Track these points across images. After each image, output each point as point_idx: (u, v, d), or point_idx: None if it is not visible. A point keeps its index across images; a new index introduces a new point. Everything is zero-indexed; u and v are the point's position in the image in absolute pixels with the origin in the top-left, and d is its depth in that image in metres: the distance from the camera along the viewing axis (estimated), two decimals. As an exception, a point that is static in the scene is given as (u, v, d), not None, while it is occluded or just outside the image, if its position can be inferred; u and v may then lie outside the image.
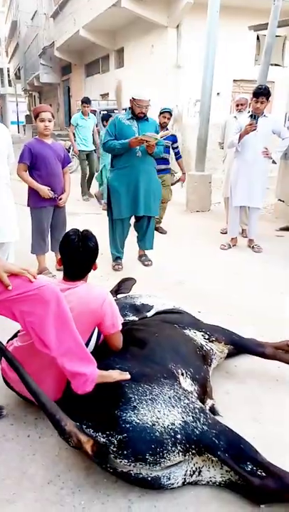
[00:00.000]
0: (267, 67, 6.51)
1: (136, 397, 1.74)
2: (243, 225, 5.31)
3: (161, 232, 5.52)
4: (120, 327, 2.06)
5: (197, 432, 1.69)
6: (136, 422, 1.66)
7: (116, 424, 1.67)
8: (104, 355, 2.05)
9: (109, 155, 4.37)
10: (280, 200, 6.58)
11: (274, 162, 4.77)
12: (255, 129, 4.41)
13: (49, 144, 3.83)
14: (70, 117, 22.11)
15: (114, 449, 1.63)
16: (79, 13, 15.09)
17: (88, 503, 1.70)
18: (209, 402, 2.15)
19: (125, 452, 1.62)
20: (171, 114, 5.33)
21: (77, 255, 2.06)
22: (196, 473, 1.73)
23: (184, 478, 1.72)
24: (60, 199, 3.92)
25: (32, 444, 2.00)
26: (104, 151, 4.38)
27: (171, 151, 5.51)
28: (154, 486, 1.69)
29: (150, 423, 1.67)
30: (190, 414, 1.74)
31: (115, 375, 1.82)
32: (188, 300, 3.43)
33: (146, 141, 3.79)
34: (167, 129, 5.14)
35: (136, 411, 1.70)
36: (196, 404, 1.81)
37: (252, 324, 3.12)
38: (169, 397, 1.78)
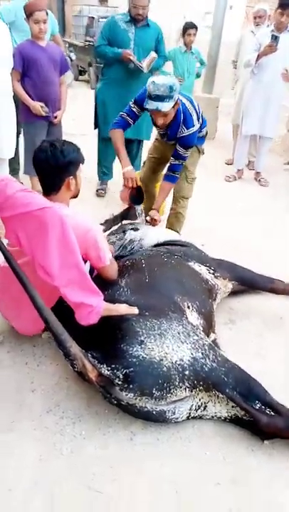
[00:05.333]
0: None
1: (144, 331, 1.63)
2: (251, 157, 4.99)
3: None
4: (107, 262, 1.87)
5: (206, 369, 1.61)
6: (143, 357, 1.57)
7: (122, 358, 1.57)
8: (107, 286, 1.91)
9: None
10: (289, 131, 6.19)
11: (292, 86, 4.34)
12: (275, 51, 3.94)
13: (43, 46, 3.33)
14: (64, 26, 20.14)
15: (120, 383, 1.55)
16: None
17: (89, 433, 1.65)
18: (212, 336, 2.07)
19: (131, 386, 1.54)
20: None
21: (44, 165, 1.84)
22: (202, 408, 1.68)
23: (189, 413, 1.68)
24: (55, 117, 3.53)
25: (30, 372, 1.93)
26: (96, 57, 3.78)
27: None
28: (158, 419, 1.64)
29: (158, 358, 1.58)
30: (199, 350, 1.65)
31: (123, 309, 1.69)
32: (191, 232, 3.26)
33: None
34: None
35: (143, 345, 1.59)
36: (205, 341, 1.71)
37: (258, 259, 2.99)
38: (178, 333, 1.67)
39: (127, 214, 2.71)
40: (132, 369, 1.55)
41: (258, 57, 4.06)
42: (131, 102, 2.64)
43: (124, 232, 2.42)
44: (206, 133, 2.91)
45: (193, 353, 1.63)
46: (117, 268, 2.00)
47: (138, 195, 2.59)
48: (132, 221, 2.69)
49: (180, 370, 1.58)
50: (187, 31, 4.74)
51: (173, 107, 2.38)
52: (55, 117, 3.52)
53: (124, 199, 2.74)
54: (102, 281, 1.91)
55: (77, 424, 1.69)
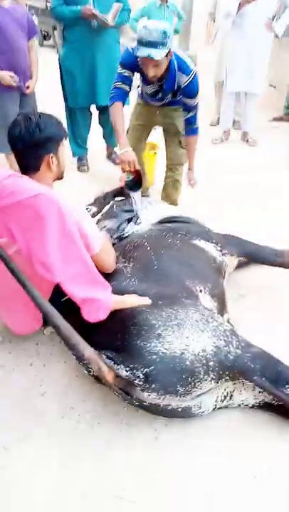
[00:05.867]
0: None
1: (160, 323, 1.49)
2: (236, 116, 4.75)
3: None
4: (97, 249, 1.63)
5: (231, 358, 1.49)
6: (163, 352, 1.43)
7: (140, 356, 1.43)
8: (111, 276, 1.74)
9: None
10: (271, 85, 5.93)
11: (276, 36, 4.07)
12: None
13: (7, 8, 2.98)
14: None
15: (141, 383, 1.42)
16: None
17: (110, 435, 1.53)
18: (225, 317, 1.95)
19: (153, 386, 1.41)
20: None
21: (18, 142, 1.59)
22: (228, 397, 1.58)
23: (215, 405, 1.57)
24: (27, 87, 3.22)
25: (37, 373, 1.78)
26: (55, 19, 3.40)
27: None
28: (184, 416, 1.53)
29: (179, 352, 1.44)
30: (221, 337, 1.52)
31: (134, 300, 1.53)
32: (186, 205, 3.08)
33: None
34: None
35: (161, 339, 1.45)
36: (225, 326, 1.58)
37: (261, 224, 2.87)
38: (196, 321, 1.53)
39: (119, 193, 2.50)
40: (152, 367, 1.41)
41: (239, 6, 3.76)
42: (119, 68, 2.36)
43: (119, 216, 2.21)
44: None
45: (216, 342, 1.50)
46: (114, 256, 1.82)
47: (136, 180, 2.33)
48: (125, 197, 2.49)
49: (204, 361, 1.45)
50: None
51: (166, 55, 2.12)
52: (27, 87, 3.21)
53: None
54: (106, 272, 1.74)
55: (96, 426, 1.56)
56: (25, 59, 3.14)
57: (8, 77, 3.02)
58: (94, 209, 2.28)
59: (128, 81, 2.37)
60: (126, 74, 2.35)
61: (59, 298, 1.71)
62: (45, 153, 1.62)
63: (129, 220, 2.22)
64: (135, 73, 2.37)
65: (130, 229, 2.18)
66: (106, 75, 3.33)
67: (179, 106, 2.55)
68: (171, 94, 2.42)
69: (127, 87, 2.38)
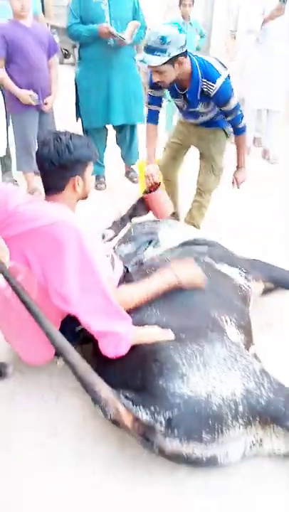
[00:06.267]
0: None
1: (184, 361, 1.36)
2: (256, 133, 4.66)
3: None
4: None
5: (262, 402, 1.35)
6: (188, 396, 1.30)
7: (162, 398, 1.30)
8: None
9: None
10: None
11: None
12: (282, 14, 3.59)
13: (28, 27, 2.97)
14: (43, 7, 19.23)
15: (162, 429, 1.28)
16: None
17: (129, 484, 1.39)
18: (252, 349, 1.81)
19: (176, 431, 1.28)
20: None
21: (45, 163, 1.51)
22: (257, 445, 1.42)
23: (244, 453, 1.42)
24: (46, 103, 3.19)
25: (48, 408, 1.66)
26: (70, 38, 3.39)
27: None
28: (209, 465, 1.38)
29: (205, 394, 1.31)
30: (251, 378, 1.38)
31: (156, 333, 1.41)
32: (204, 226, 2.96)
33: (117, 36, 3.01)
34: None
35: (186, 379, 1.32)
36: (255, 365, 1.44)
37: (281, 250, 2.74)
38: (224, 358, 1.40)
39: (135, 211, 2.41)
40: (175, 411, 1.28)
41: (263, 22, 3.70)
42: (148, 89, 2.35)
43: (137, 239, 2.11)
44: None
45: (245, 383, 1.36)
46: (122, 296, 1.59)
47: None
48: (142, 217, 2.40)
49: (232, 406, 1.31)
50: (182, 1, 4.33)
51: (170, 63, 1.95)
52: (46, 103, 3.18)
53: None
54: None
55: (113, 474, 1.42)
56: (45, 77, 3.12)
57: (27, 96, 2.99)
58: (111, 233, 2.18)
59: (155, 101, 2.39)
60: (152, 94, 2.35)
61: (74, 327, 1.61)
62: (71, 175, 1.54)
63: (149, 243, 2.11)
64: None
65: (149, 252, 2.06)
66: (122, 94, 3.31)
67: (217, 128, 2.46)
68: (200, 107, 2.28)
69: (156, 107, 2.42)
